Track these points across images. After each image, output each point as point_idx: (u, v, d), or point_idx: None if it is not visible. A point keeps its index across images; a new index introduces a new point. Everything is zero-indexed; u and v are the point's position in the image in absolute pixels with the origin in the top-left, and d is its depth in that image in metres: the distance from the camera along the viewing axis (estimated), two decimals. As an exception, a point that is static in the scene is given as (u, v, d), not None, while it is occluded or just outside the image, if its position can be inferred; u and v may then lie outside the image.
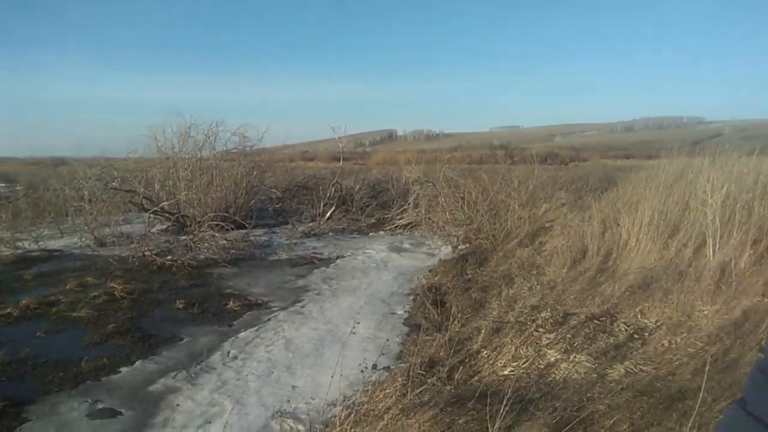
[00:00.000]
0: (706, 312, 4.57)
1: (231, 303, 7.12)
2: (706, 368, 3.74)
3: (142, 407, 4.34)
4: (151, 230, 11.74)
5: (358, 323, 6.33)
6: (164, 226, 12.75)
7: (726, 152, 6.78)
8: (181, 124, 14.27)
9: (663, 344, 4.35)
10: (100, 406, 4.35)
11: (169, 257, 9.60)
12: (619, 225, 6.85)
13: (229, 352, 5.53)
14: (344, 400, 4.36)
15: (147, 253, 9.67)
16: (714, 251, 5.24)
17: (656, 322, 4.73)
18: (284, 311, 6.95)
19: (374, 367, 5.01)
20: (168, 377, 4.91)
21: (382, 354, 5.26)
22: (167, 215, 12.30)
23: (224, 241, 10.75)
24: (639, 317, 4.87)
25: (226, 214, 11.86)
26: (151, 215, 11.76)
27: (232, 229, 11.41)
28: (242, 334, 6.06)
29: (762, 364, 0.90)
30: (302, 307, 7.14)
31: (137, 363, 5.23)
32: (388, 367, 5.08)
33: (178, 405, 4.36)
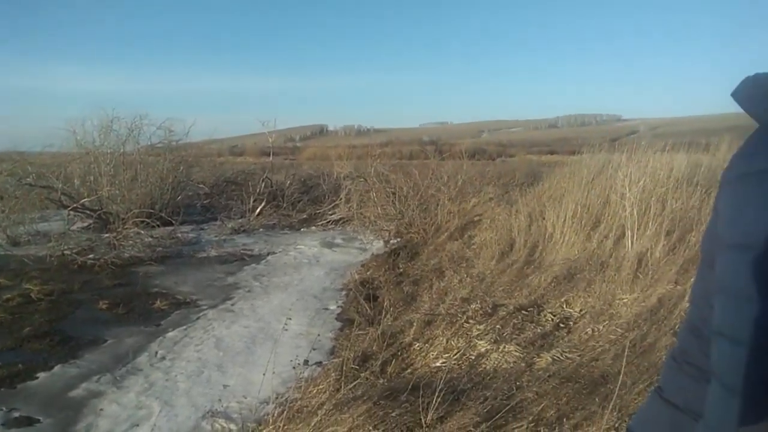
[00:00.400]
0: (625, 300, 4.80)
1: (158, 302, 6.91)
2: (625, 353, 3.95)
3: (63, 414, 4.14)
4: (71, 228, 11.18)
5: (291, 320, 6.28)
6: (85, 224, 12.18)
7: (641, 148, 7.10)
8: (102, 117, 13.69)
9: (587, 332, 4.54)
10: (15, 414, 4.11)
11: (91, 256, 9.19)
12: (544, 218, 7.09)
13: (156, 353, 5.37)
14: (277, 398, 4.31)
15: (67, 251, 9.22)
16: (632, 242, 5.51)
17: (580, 311, 4.94)
18: (214, 309, 6.81)
19: (306, 362, 4.99)
20: (91, 381, 4.70)
21: (315, 350, 5.24)
22: (88, 212, 11.76)
23: (150, 239, 10.39)
24: (564, 307, 5.06)
25: (152, 211, 11.44)
26: (71, 212, 11.19)
27: (159, 226, 11.02)
28: (170, 334, 5.90)
29: (674, 351, 0.95)
30: (233, 304, 7.02)
31: (56, 368, 4.97)
32: (320, 362, 5.07)
33: (101, 410, 4.18)
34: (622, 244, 5.66)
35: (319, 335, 5.65)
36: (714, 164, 6.65)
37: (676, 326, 4.14)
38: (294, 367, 4.93)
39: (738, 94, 0.77)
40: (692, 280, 3.08)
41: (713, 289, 0.75)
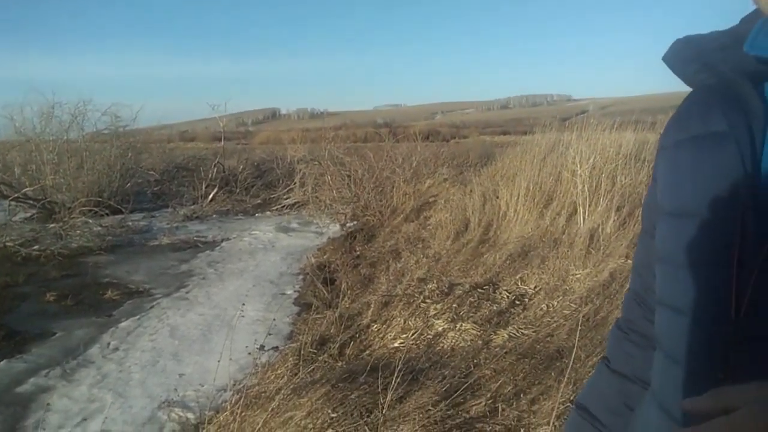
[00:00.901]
0: (578, 276, 4.89)
1: (109, 292, 6.72)
2: (579, 328, 4.03)
3: (10, 410, 3.99)
4: (13, 219, 10.75)
5: (246, 306, 6.20)
6: (28, 214, 11.74)
7: (591, 127, 7.21)
8: (42, 103, 13.19)
9: (541, 308, 4.61)
10: (-40, 412, 3.97)
11: (36, 247, 8.88)
12: (498, 197, 7.15)
13: (109, 344, 5.23)
14: (234, 385, 4.26)
15: (9, 243, 8.87)
16: (584, 218, 5.61)
17: (535, 287, 5.01)
18: (168, 298, 6.67)
19: (262, 348, 4.94)
20: (39, 376, 4.53)
21: (272, 335, 5.19)
22: (31, 202, 11.36)
23: (99, 228, 10.10)
24: (519, 284, 5.13)
25: (100, 199, 11.11)
26: (12, 203, 10.78)
27: (108, 214, 10.71)
28: (123, 324, 5.75)
29: (619, 321, 0.95)
30: (187, 292, 6.89)
31: (2, 363, 4.77)
32: (277, 347, 5.02)
33: (48, 404, 4.04)
34: (574, 221, 5.76)
35: (275, 320, 5.58)
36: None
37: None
38: (250, 353, 4.87)
39: (668, 58, 0.75)
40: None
41: (654, 257, 0.74)
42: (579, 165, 5.90)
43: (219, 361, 4.08)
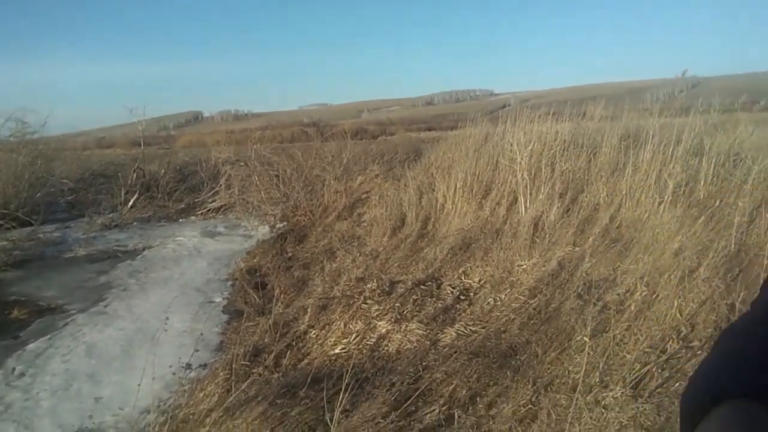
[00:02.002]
0: (524, 266, 4.70)
1: (15, 311, 6.07)
2: (531, 322, 3.82)
3: None
4: None
5: (171, 317, 5.72)
6: None
7: (525, 116, 7.11)
8: (-68, 108, 12.07)
9: (489, 302, 4.39)
10: None
11: (-71, 265, 8.03)
12: (434, 190, 6.94)
13: (14, 370, 4.66)
14: (159, 406, 3.84)
15: None
16: (526, 207, 5.45)
17: (480, 281, 4.79)
18: (84, 313, 6.09)
19: (188, 366, 4.49)
20: (-70, 412, 3.97)
21: (200, 349, 4.76)
22: (-77, 217, 10.35)
23: (5, 242, 9.27)
24: (463, 278, 4.90)
25: (6, 211, 10.26)
26: None
27: (14, 227, 9.90)
28: (31, 346, 5.16)
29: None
30: (106, 306, 6.32)
31: None
32: (205, 365, 4.59)
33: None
34: (515, 210, 5.60)
35: (202, 334, 5.16)
36: (592, 128, 6.75)
37: (579, 288, 4.06)
38: (174, 373, 4.43)
39: None
40: (590, 240, 2.94)
41: None
42: (519, 152, 5.73)
43: (140, 382, 3.65)
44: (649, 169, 5.11)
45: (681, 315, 3.47)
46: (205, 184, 14.34)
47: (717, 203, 4.52)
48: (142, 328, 5.53)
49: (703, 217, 4.32)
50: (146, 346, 4.94)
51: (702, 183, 4.79)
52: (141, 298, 6.58)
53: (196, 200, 13.74)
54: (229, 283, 7.11)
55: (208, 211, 12.95)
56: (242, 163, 12.35)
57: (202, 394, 3.73)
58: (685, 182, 4.83)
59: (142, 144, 17.09)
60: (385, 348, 4.03)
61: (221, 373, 3.96)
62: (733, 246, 3.90)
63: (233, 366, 3.97)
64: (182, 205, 13.87)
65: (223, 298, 6.46)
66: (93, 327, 5.62)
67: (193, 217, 12.98)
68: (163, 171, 15.46)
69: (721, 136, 5.53)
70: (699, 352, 3.18)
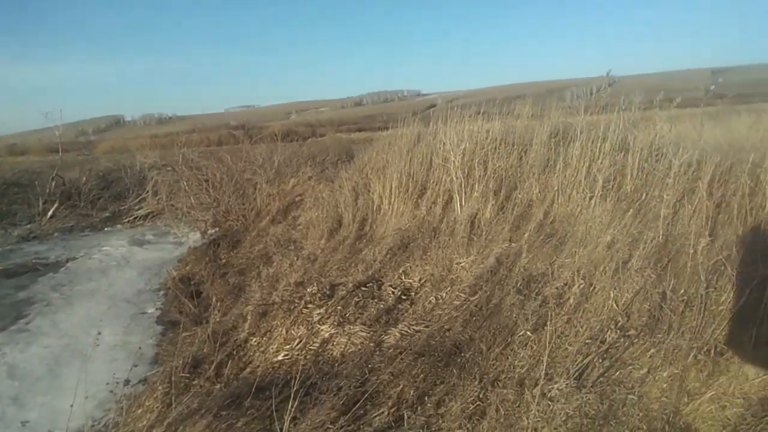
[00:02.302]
0: (463, 264, 4.75)
1: (-75, 337, 5.65)
2: (473, 318, 3.86)
3: None
4: None
5: (101, 331, 5.47)
6: None
7: (456, 115, 7.19)
8: None
9: (430, 301, 4.41)
10: None
11: None
12: (370, 191, 6.93)
13: (-73, 399, 4.34)
14: (93, 425, 3.66)
15: None
16: (461, 205, 5.51)
17: (420, 280, 4.81)
18: (3, 333, 5.74)
19: (126, 382, 4.30)
20: None
21: (135, 363, 4.57)
22: None
23: None
24: (403, 278, 4.90)
25: None
26: None
27: None
28: (-55, 374, 4.82)
29: None
30: (27, 323, 5.98)
31: None
32: (145, 379, 4.41)
33: None
34: (451, 208, 5.65)
35: (140, 348, 4.96)
36: (521, 126, 6.88)
37: (518, 284, 4.13)
38: (112, 391, 4.24)
39: None
40: (526, 236, 2.99)
41: None
42: (452, 151, 5.79)
43: (73, 399, 3.46)
44: (579, 164, 5.26)
45: (617, 305, 3.60)
46: (130, 191, 13.84)
47: (644, 196, 4.70)
48: (69, 345, 5.27)
49: (631, 210, 4.49)
50: (76, 363, 4.73)
51: (629, 177, 4.97)
52: (66, 313, 6.27)
53: (122, 208, 13.24)
54: (162, 292, 6.88)
55: (136, 218, 12.50)
56: (169, 168, 11.99)
57: (140, 411, 3.57)
58: (613, 177, 5.00)
59: (60, 150, 16.33)
60: (330, 352, 3.98)
61: (160, 387, 3.81)
62: (660, 237, 4.06)
63: (172, 379, 3.83)
64: (107, 214, 13.34)
65: (156, 309, 6.24)
66: (14, 346, 5.32)
67: (119, 226, 12.50)
68: (84, 178, 14.81)
69: (642, 132, 5.76)
70: (636, 340, 3.30)
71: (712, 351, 3.03)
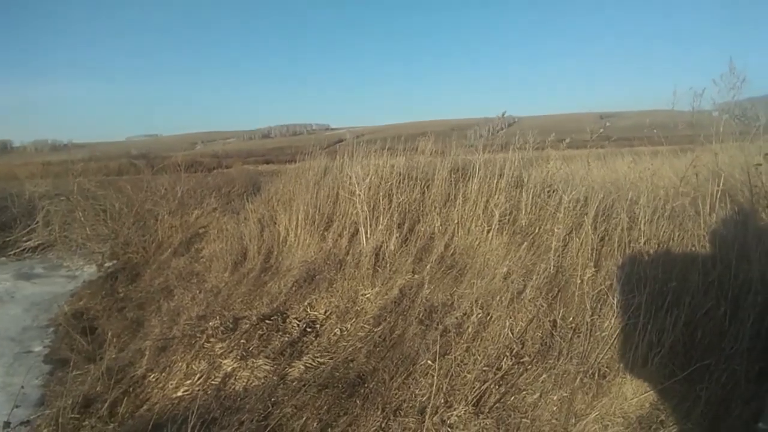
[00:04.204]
0: (368, 295, 4.82)
1: None
2: (377, 349, 3.92)
3: None
4: None
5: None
6: None
7: (362, 150, 7.34)
8: None
9: (335, 333, 4.44)
10: None
11: None
12: (276, 223, 6.90)
13: None
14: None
15: None
16: (367, 237, 5.60)
17: (325, 312, 4.82)
18: None
19: (7, 425, 4.00)
20: None
21: (17, 404, 4.25)
22: None
23: None
24: (309, 310, 4.90)
25: None
26: None
27: None
28: None
29: None
30: None
31: None
32: (28, 421, 4.12)
33: None
34: (356, 241, 5.72)
35: (23, 387, 4.63)
36: (424, 162, 7.10)
37: (421, 314, 4.25)
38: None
39: None
40: (428, 267, 3.11)
41: None
42: (357, 185, 5.90)
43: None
44: (477, 199, 5.50)
45: (512, 333, 3.77)
46: (18, 221, 12.96)
47: (537, 230, 4.98)
48: (-58, 388, 4.85)
49: (525, 243, 4.74)
50: (-52, 409, 4.34)
51: (523, 212, 5.24)
52: (-60, 354, 5.78)
53: (8, 239, 12.35)
54: (51, 329, 6.47)
55: (23, 250, 11.69)
56: (63, 198, 11.35)
57: (23, 456, 3.36)
58: (509, 211, 5.26)
59: (-65, 178, 15.14)
60: (232, 386, 3.91)
61: (45, 430, 3.60)
62: (552, 268, 4.30)
63: (59, 420, 3.63)
64: (-11, 245, 12.44)
65: (44, 347, 5.86)
66: None
67: (3, 258, 11.67)
68: (-37, 208, 13.80)
69: (536, 169, 6.11)
70: (529, 366, 3.47)
71: (596, 374, 3.25)
